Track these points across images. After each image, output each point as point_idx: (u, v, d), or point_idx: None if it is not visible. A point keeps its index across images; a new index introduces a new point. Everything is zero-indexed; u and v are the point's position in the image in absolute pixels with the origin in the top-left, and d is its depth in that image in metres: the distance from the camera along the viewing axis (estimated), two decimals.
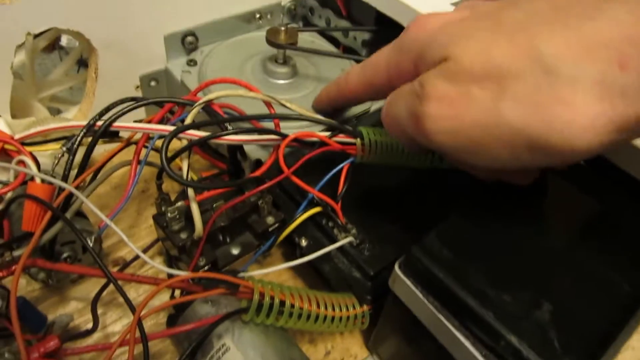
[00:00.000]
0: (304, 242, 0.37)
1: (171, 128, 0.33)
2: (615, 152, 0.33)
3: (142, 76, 0.47)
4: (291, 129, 0.37)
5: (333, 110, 0.42)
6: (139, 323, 0.29)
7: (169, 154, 0.32)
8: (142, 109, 0.46)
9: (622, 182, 0.33)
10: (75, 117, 0.47)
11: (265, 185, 0.34)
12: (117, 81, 0.46)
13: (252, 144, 0.39)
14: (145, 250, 0.40)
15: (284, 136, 0.34)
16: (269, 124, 0.38)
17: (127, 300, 0.30)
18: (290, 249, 0.41)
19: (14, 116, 0.44)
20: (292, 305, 0.32)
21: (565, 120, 0.21)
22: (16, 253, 0.32)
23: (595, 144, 0.21)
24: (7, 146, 0.35)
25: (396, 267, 0.29)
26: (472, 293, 0.26)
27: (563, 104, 0.21)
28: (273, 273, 0.43)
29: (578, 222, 0.32)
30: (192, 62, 0.47)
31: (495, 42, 0.23)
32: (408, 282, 0.28)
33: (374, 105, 0.46)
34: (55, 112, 0.50)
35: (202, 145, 0.45)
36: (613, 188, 0.33)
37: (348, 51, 0.52)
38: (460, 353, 0.27)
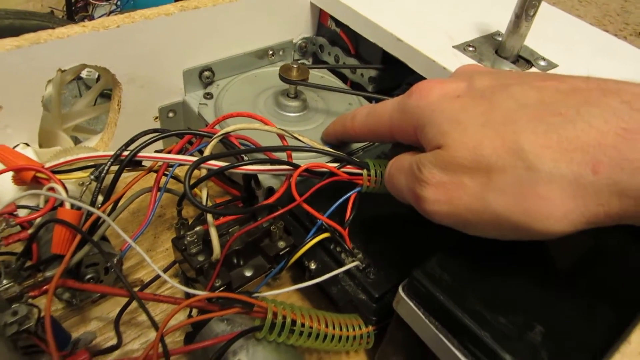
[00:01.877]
0: (313, 265, 0.39)
1: (192, 159, 0.35)
2: None
3: (161, 108, 0.50)
4: (302, 160, 0.39)
5: (340, 143, 0.45)
6: (162, 339, 0.31)
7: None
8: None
9: None
10: (97, 146, 0.50)
11: (279, 212, 0.36)
12: (138, 112, 0.49)
13: (265, 173, 0.42)
14: (164, 271, 0.43)
15: (296, 167, 0.37)
16: (281, 155, 0.41)
17: (151, 318, 0.32)
18: (298, 273, 0.43)
19: (41, 145, 0.47)
20: (303, 325, 0.34)
21: (543, 212, 0.25)
22: (48, 274, 0.34)
23: (570, 230, 0.25)
24: (38, 174, 0.38)
25: (400, 289, 0.32)
26: (470, 314, 0.28)
27: (541, 198, 0.25)
28: (282, 294, 0.45)
29: (570, 251, 0.34)
30: (208, 95, 0.50)
31: (485, 136, 0.26)
32: (411, 304, 0.31)
33: None
34: (77, 141, 0.53)
35: (218, 173, 0.48)
36: None
37: (355, 87, 0.55)
38: None
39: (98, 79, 0.57)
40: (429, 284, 0.30)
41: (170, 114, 0.51)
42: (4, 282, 0.33)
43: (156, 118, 0.51)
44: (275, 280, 0.46)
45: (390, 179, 0.34)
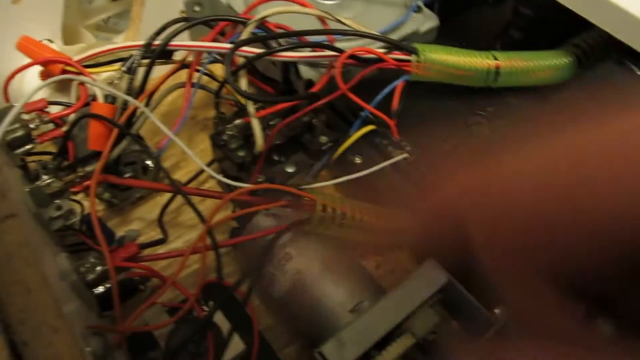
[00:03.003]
0: (358, 160, 0.37)
1: (229, 45, 0.33)
2: None
3: (187, 1, 0.47)
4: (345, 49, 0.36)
5: None
6: (210, 232, 0.30)
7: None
8: (186, 34, 0.46)
9: None
10: None
11: (322, 101, 0.34)
12: (163, 4, 0.46)
13: (304, 64, 0.39)
14: (198, 174, 0.42)
15: (341, 51, 0.34)
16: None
17: (197, 211, 0.31)
18: (341, 174, 0.41)
19: (65, 43, 0.44)
20: (353, 218, 0.33)
21: None
22: (88, 169, 0.33)
23: None
24: (67, 67, 0.36)
25: None
26: None
27: None
28: (327, 191, 0.44)
29: None
30: None
31: None
32: None
33: (424, 26, 0.45)
34: (102, 39, 0.51)
35: (250, 68, 0.45)
36: None
37: None
38: None
39: None
40: None
41: (197, 8, 0.48)
42: (44, 177, 0.32)
43: (182, 12, 0.48)
44: (315, 179, 0.45)
45: None
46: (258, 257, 0.32)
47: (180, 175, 0.45)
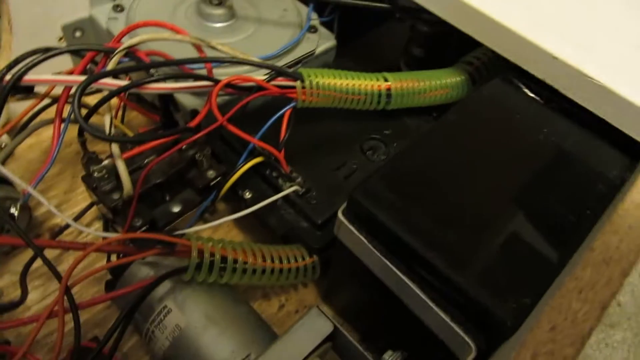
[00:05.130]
0: (248, 195, 0.35)
1: (81, 78, 0.29)
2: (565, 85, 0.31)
3: (65, 26, 0.43)
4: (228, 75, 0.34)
5: None
6: (67, 291, 0.27)
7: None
8: (70, 62, 0.42)
9: (573, 115, 0.32)
10: None
11: (197, 136, 0.31)
12: (36, 32, 0.42)
13: (187, 93, 0.36)
14: (77, 217, 0.38)
15: (217, 81, 0.31)
16: (203, 71, 0.35)
17: (52, 269, 0.27)
18: (238, 205, 0.39)
19: None
20: (235, 261, 0.30)
21: None
22: None
23: None
24: None
25: (340, 213, 0.28)
26: (416, 235, 0.25)
27: None
28: (221, 232, 0.41)
29: (524, 157, 0.30)
30: (118, 8, 0.42)
31: None
32: (352, 228, 0.27)
33: (320, 47, 0.43)
34: None
35: (138, 99, 0.42)
36: (562, 121, 0.32)
37: None
38: (410, 298, 0.26)
39: None
40: (369, 203, 0.26)
41: (78, 33, 0.44)
42: None
43: (61, 39, 0.44)
44: (213, 215, 0.42)
45: None
46: (128, 312, 0.28)
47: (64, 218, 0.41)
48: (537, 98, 0.33)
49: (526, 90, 0.33)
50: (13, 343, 0.32)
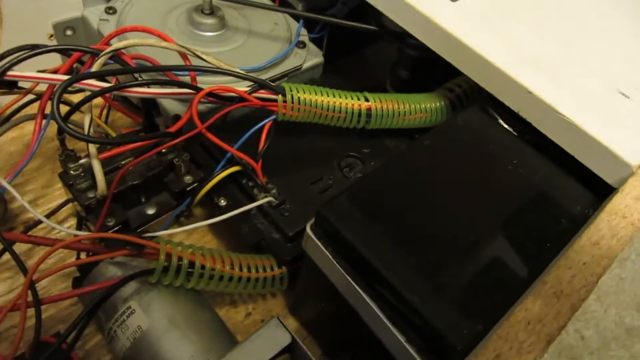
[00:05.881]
0: (223, 202, 0.35)
1: (63, 78, 0.30)
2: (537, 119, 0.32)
3: (56, 24, 0.43)
4: (212, 84, 0.34)
5: None
6: (32, 286, 0.27)
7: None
8: (59, 59, 0.43)
9: (544, 148, 0.33)
10: None
11: (175, 141, 0.32)
12: (26, 28, 0.42)
13: (171, 99, 0.37)
14: (52, 213, 0.38)
15: (199, 90, 0.32)
16: (187, 79, 0.35)
17: (19, 262, 0.27)
18: (215, 212, 0.39)
19: None
20: (203, 267, 0.30)
21: None
22: None
23: None
24: None
25: (308, 227, 0.28)
26: (378, 254, 0.25)
27: None
28: (195, 237, 0.41)
29: (492, 186, 0.31)
30: (111, 10, 0.43)
31: None
32: (319, 243, 0.27)
33: (307, 63, 0.44)
34: None
35: (123, 100, 0.43)
36: (533, 153, 0.33)
37: (283, 4, 0.49)
38: (369, 316, 0.26)
39: None
40: (335, 219, 0.26)
41: (69, 32, 0.44)
42: None
43: (51, 36, 0.44)
44: (189, 219, 0.42)
45: None
46: (90, 310, 0.29)
47: (40, 212, 0.41)
48: (511, 129, 0.34)
49: (501, 121, 0.34)
50: None
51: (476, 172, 0.31)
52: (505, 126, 0.34)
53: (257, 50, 0.43)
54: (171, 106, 0.37)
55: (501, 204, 0.29)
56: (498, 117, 0.34)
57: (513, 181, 0.31)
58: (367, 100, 0.36)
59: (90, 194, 0.33)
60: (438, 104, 0.38)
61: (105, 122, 0.41)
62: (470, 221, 0.28)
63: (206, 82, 0.36)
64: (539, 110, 0.32)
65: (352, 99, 0.35)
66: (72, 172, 0.32)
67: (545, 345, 0.23)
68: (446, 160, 0.31)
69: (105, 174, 0.32)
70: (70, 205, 0.40)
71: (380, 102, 0.36)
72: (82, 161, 0.32)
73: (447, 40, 0.34)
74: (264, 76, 0.41)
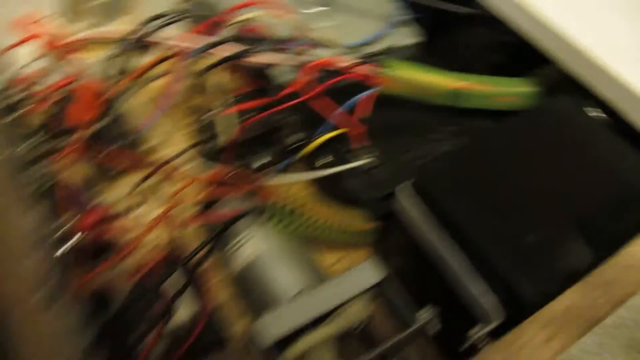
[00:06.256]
0: (324, 161, 0.40)
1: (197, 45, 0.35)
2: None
3: None
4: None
5: None
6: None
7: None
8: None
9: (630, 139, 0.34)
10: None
11: (289, 104, 0.36)
12: None
13: (283, 68, 0.42)
14: (184, 151, 0.44)
15: (310, 61, 0.36)
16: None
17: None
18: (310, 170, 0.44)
19: (69, 21, 0.47)
20: (307, 215, 0.35)
21: None
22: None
23: None
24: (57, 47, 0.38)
25: (397, 189, 0.32)
26: (465, 217, 0.29)
27: None
28: (297, 188, 0.46)
29: (577, 168, 0.33)
30: None
31: None
32: (407, 203, 0.31)
33: (407, 41, 0.47)
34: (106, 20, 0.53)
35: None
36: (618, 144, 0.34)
37: None
38: (452, 268, 0.30)
39: None
40: (427, 182, 0.30)
41: None
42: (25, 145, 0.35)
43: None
44: (293, 172, 0.47)
45: None
46: (213, 237, 0.34)
47: (165, 154, 0.47)
48: (598, 118, 0.36)
49: (589, 109, 0.36)
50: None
51: (561, 155, 0.34)
52: (594, 113, 0.36)
53: (360, 26, 0.46)
54: (281, 75, 0.41)
55: (584, 184, 0.32)
56: (586, 105, 0.36)
57: (597, 167, 0.33)
58: (461, 80, 0.39)
59: (214, 143, 0.38)
60: (528, 89, 0.41)
61: None
62: (553, 197, 0.31)
63: (313, 55, 0.40)
64: (630, 101, 0.33)
65: (446, 78, 0.39)
66: (202, 123, 0.37)
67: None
68: (534, 141, 0.34)
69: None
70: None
71: (473, 83, 0.39)
72: (211, 112, 0.37)
73: (543, 28, 0.37)
74: (366, 51, 0.44)
